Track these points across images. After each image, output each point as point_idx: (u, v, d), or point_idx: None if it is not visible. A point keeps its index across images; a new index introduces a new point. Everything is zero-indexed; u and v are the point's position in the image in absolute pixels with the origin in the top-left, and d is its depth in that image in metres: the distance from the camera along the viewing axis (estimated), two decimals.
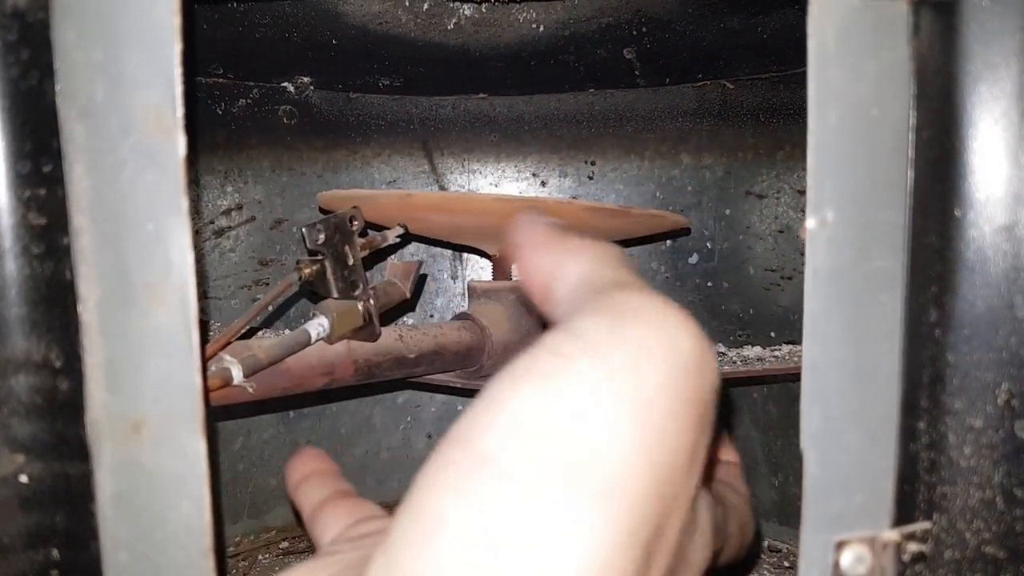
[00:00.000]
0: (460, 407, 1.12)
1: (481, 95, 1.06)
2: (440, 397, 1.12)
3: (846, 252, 0.34)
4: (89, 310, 0.35)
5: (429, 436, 1.12)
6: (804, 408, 0.35)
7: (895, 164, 0.35)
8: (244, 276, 1.00)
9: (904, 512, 0.36)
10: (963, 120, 0.35)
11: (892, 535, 0.36)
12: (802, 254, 0.94)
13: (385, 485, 1.11)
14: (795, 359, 0.78)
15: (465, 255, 1.10)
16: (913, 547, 0.36)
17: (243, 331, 0.56)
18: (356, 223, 0.62)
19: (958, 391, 0.35)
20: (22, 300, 0.35)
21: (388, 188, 1.07)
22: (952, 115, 0.35)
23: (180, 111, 0.32)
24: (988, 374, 0.35)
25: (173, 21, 0.32)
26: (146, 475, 0.36)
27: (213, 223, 0.97)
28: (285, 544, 0.99)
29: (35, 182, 0.35)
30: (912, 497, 0.36)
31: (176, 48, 0.32)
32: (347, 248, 0.61)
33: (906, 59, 0.35)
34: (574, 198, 1.08)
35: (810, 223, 0.34)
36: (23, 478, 0.36)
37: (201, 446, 0.35)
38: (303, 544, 0.99)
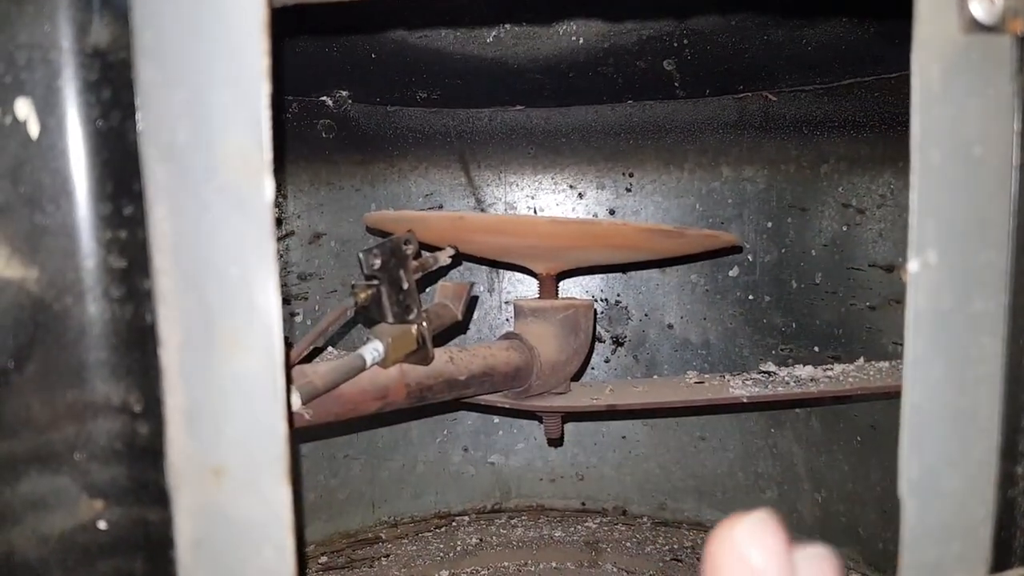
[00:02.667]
0: (496, 420, 1.11)
1: (518, 107, 1.05)
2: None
3: (948, 295, 0.33)
4: (170, 354, 0.34)
5: (465, 449, 1.11)
6: (903, 456, 0.34)
7: (998, 203, 0.34)
8: (283, 291, 0.99)
9: (1001, 558, 0.35)
10: None
11: None
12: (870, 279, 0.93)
13: (422, 498, 1.10)
14: (849, 380, 0.76)
15: (501, 268, 1.09)
16: None
17: (302, 358, 0.56)
18: (410, 247, 0.61)
19: None
20: (102, 344, 0.34)
21: (425, 200, 1.06)
22: None
23: (268, 154, 0.32)
24: None
25: (262, 63, 0.31)
26: (227, 521, 0.35)
27: None
28: (324, 559, 0.98)
29: (116, 224, 0.34)
30: (1009, 543, 0.35)
31: (265, 89, 0.31)
32: (402, 272, 0.60)
33: (1010, 95, 0.33)
34: (611, 212, 1.07)
35: (912, 265, 0.33)
36: (102, 524, 0.35)
37: (285, 493, 0.34)
38: (341, 559, 0.98)
